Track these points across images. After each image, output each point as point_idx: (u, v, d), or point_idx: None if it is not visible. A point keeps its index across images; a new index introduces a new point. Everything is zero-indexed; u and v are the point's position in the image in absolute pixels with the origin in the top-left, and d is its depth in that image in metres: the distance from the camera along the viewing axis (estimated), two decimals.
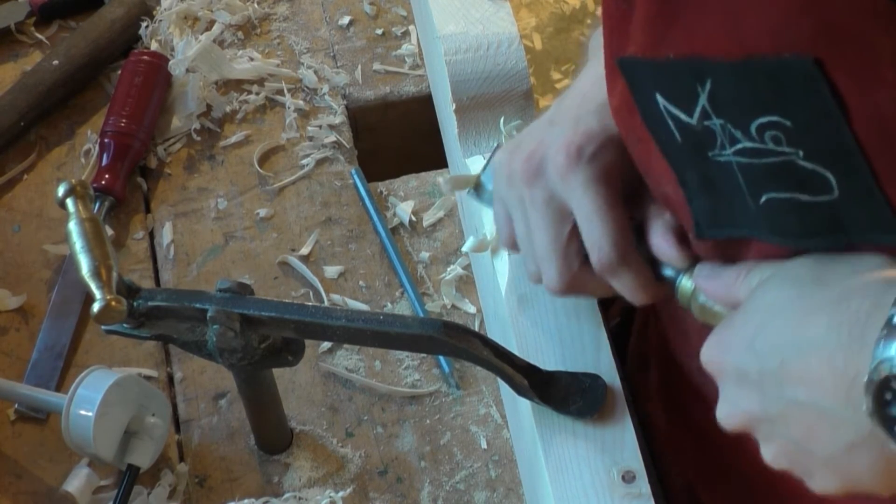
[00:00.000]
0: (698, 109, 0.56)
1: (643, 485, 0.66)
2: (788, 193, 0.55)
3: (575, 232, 0.69)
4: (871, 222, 0.54)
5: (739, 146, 0.55)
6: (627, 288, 0.69)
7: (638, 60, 0.58)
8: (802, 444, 0.54)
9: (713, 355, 0.60)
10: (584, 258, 0.70)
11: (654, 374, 0.85)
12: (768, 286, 0.58)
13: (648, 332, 0.87)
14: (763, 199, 0.56)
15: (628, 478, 0.67)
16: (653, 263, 0.69)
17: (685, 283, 0.67)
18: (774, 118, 0.52)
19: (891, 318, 0.47)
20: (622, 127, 0.67)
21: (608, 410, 0.69)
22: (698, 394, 0.76)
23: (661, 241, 0.68)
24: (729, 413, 0.60)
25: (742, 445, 0.74)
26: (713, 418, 0.65)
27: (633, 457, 0.68)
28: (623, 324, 0.92)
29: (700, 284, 0.65)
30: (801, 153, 0.53)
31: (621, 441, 0.68)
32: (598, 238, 0.68)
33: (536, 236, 0.71)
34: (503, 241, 0.77)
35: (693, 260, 0.67)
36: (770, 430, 0.57)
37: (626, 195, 0.69)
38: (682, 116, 0.57)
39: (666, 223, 0.68)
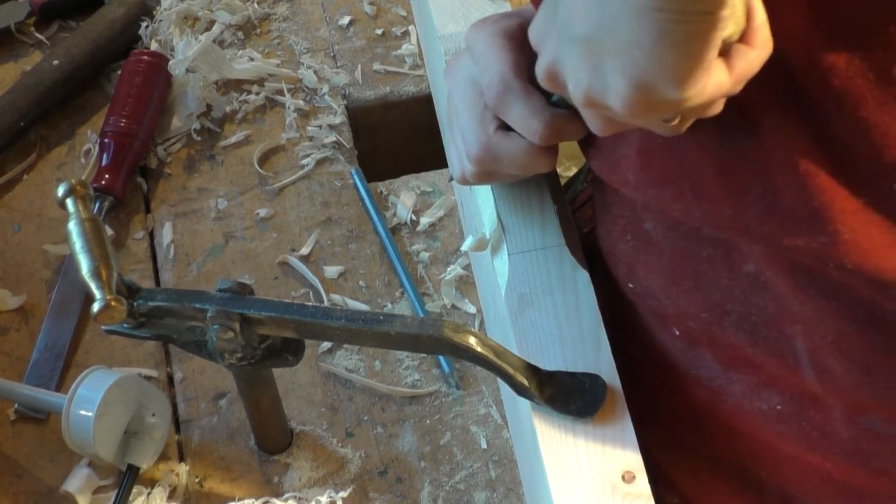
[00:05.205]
0: None
1: (643, 485, 0.66)
2: None
3: None
4: None
5: None
6: (521, 119, 0.68)
7: None
8: (581, 34, 0.53)
9: (532, 33, 0.60)
10: (501, 125, 0.70)
11: (606, 316, 0.86)
12: None
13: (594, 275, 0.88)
14: None
15: (628, 478, 0.67)
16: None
17: None
18: None
19: None
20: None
21: (608, 410, 0.69)
22: (631, 330, 0.77)
23: None
24: (539, 60, 0.59)
25: (665, 388, 0.76)
26: (644, 356, 0.67)
27: (633, 457, 0.68)
28: None
29: None
30: None
31: (621, 441, 0.68)
32: (489, 77, 0.69)
33: (460, 112, 0.73)
34: (453, 172, 0.78)
35: None
36: (563, 48, 0.56)
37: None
38: None
39: None
